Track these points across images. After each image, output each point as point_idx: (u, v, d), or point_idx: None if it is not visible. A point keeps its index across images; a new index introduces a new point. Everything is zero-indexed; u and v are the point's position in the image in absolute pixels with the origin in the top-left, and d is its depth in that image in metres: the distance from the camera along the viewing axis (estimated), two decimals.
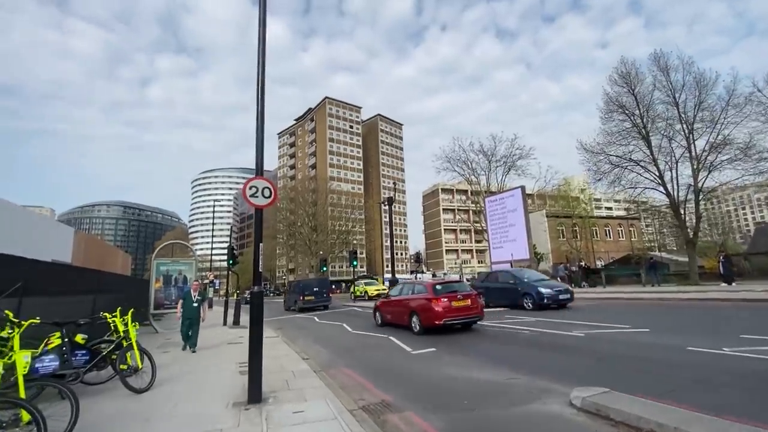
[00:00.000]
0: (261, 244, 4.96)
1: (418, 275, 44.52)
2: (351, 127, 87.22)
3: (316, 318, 17.37)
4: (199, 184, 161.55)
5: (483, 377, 5.60)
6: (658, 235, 42.90)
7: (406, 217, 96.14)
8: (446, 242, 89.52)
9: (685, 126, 21.38)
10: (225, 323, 15.80)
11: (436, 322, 9.45)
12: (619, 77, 23.53)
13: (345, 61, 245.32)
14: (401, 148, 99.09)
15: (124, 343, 5.83)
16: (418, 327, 10.01)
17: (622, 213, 68.54)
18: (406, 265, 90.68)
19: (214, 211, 36.28)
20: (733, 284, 17.80)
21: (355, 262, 25.56)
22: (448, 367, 6.36)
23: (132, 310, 6.37)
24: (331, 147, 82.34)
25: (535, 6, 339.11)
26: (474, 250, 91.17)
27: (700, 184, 20.98)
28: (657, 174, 22.40)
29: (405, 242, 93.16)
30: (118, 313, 6.34)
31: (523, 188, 39.40)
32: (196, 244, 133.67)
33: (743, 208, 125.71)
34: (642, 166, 23.08)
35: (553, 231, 43.12)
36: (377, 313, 12.56)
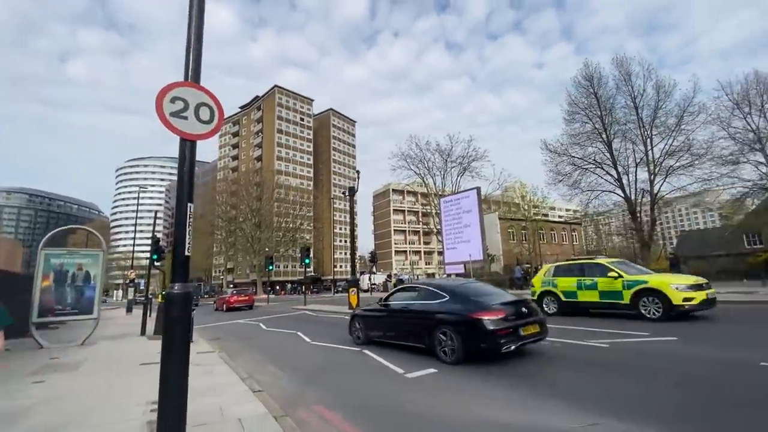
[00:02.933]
0: (191, 205, 2.66)
1: (372, 276, 42.67)
2: (302, 119, 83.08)
3: (262, 325, 14.64)
4: (126, 173, 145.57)
5: (547, 423, 3.71)
6: (604, 239, 45.27)
7: (356, 217, 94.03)
8: (396, 243, 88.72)
9: (643, 131, 21.89)
10: (143, 332, 12.52)
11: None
12: (584, 79, 23.65)
13: (296, 57, 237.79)
14: (354, 146, 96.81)
15: None
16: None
17: (563, 219, 72.57)
18: (356, 266, 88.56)
19: (138, 197, 31.21)
20: None
21: (307, 261, 22.96)
22: (477, 402, 4.41)
23: None
24: (280, 139, 77.62)
25: (481, 23, 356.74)
26: (422, 252, 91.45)
27: (655, 189, 21.58)
28: (616, 177, 22.74)
29: (356, 242, 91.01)
30: None
31: (478, 189, 39.09)
32: (119, 239, 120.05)
33: (695, 213, 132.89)
34: (603, 169, 23.32)
35: (504, 233, 43.65)
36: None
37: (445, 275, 44.36)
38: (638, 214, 22.53)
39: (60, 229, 11.63)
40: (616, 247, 47.67)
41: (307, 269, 34.67)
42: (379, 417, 4.21)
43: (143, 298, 16.20)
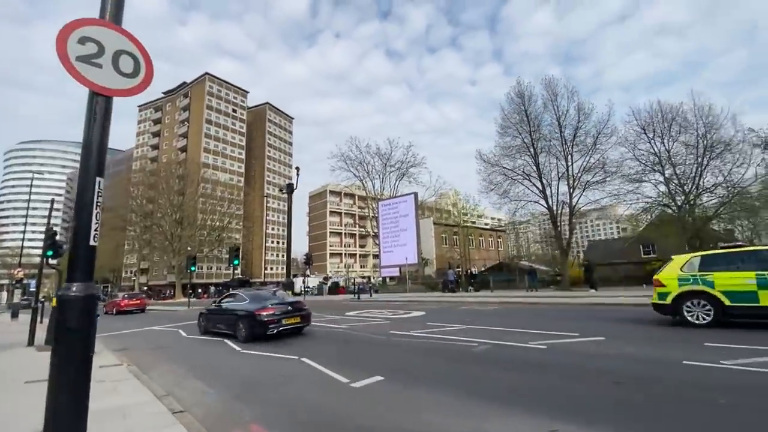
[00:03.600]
0: (100, 180, 2.02)
1: (306, 278, 41.31)
2: (234, 111, 78.21)
3: (182, 332, 13.11)
4: (16, 157, 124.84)
5: (501, 429, 3.57)
6: (526, 246, 48.96)
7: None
8: (331, 245, 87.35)
9: (565, 147, 24.10)
10: (32, 342, 10.46)
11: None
12: (516, 96, 25.39)
13: (231, 47, 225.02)
14: (290, 143, 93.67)
15: None
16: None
17: (490, 226, 77.46)
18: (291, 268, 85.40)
19: (32, 184, 26.55)
20: (598, 290, 20.29)
21: (236, 261, 21.29)
22: (430, 411, 4.17)
23: None
24: (208, 130, 72.16)
25: (421, 35, 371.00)
26: (358, 255, 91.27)
27: (574, 201, 23.85)
28: (541, 188, 24.69)
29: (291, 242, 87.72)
30: None
31: (415, 194, 40.24)
32: (6, 233, 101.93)
33: (598, 226, 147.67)
34: (530, 180, 25.18)
35: (437, 238, 45.19)
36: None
37: (380, 278, 44.65)
38: (558, 224, 24.71)
39: None
40: (535, 254, 52.01)
41: (236, 271, 32.41)
42: None
43: (33, 301, 13.74)
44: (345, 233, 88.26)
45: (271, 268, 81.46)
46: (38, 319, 11.59)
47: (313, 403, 4.77)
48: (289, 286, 16.07)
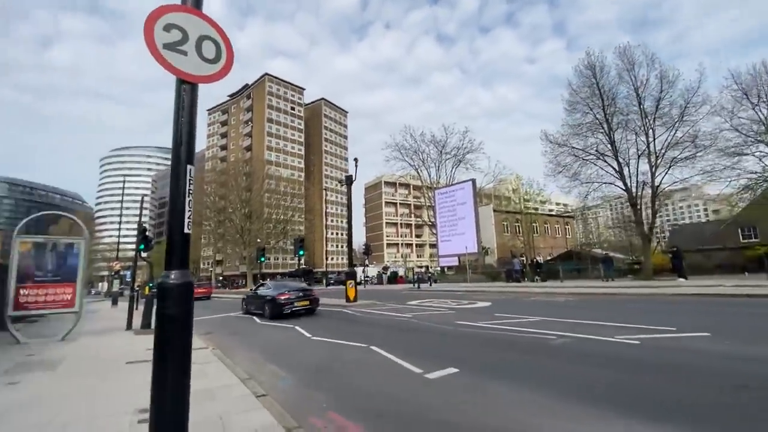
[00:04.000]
0: (191, 168, 2.04)
1: (365, 268, 42.17)
2: (293, 108, 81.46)
3: (256, 319, 13.96)
4: (110, 164, 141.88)
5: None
6: (596, 232, 45.41)
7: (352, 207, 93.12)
8: (387, 236, 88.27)
9: (646, 122, 21.57)
10: (129, 327, 11.78)
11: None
12: (585, 68, 23.18)
13: (284, 47, 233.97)
14: (345, 137, 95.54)
15: None
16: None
17: (555, 212, 72.89)
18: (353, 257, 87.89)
19: (123, 187, 29.97)
20: (688, 279, 18.06)
21: (301, 252, 22.25)
22: (516, 408, 3.88)
23: None
24: (270, 128, 76.02)
25: (474, 15, 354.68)
26: (414, 245, 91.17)
27: (657, 181, 21.36)
28: (617, 168, 22.43)
29: (345, 234, 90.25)
30: None
31: (473, 181, 38.92)
32: (104, 230, 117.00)
33: (681, 208, 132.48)
34: (604, 160, 22.97)
35: (498, 226, 43.44)
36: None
37: (438, 268, 44.12)
38: (639, 207, 22.31)
39: (38, 214, 10.78)
40: (609, 241, 47.93)
41: (300, 261, 33.95)
42: (405, 428, 3.65)
43: (129, 290, 15.40)
44: (401, 223, 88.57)
45: (332, 259, 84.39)
46: (134, 306, 12.96)
47: (388, 392, 4.69)
48: (352, 275, 16.35)
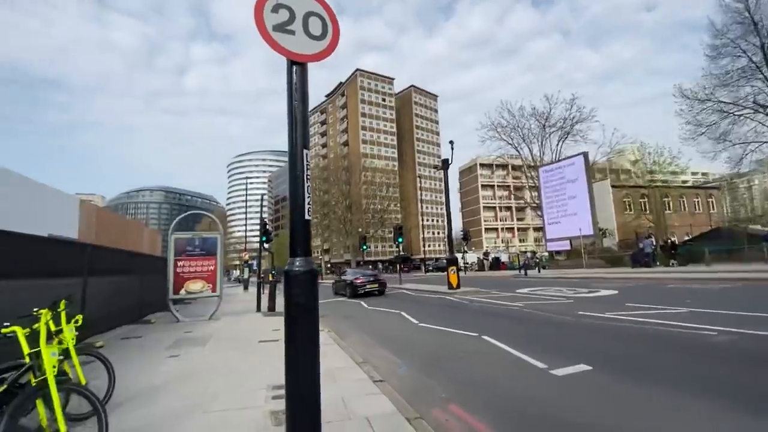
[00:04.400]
0: (306, 152, 1.96)
1: (464, 255, 41.16)
2: (383, 100, 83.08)
3: (363, 303, 14.61)
4: (234, 168, 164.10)
5: None
6: (750, 205, 36.78)
7: (442, 195, 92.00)
8: (485, 221, 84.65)
9: None
10: (258, 309, 13.40)
11: None
12: (734, 1, 18.38)
13: (374, 40, 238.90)
14: (437, 122, 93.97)
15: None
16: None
17: (690, 182, 60.96)
18: (444, 245, 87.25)
19: (246, 188, 34.31)
20: None
21: (400, 239, 22.61)
22: (679, 422, 3.15)
23: (64, 300, 3.68)
24: (363, 122, 78.89)
25: None
26: (516, 229, 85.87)
27: None
28: None
29: (442, 220, 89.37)
30: (62, 305, 3.66)
31: (585, 154, 34.54)
32: (234, 226, 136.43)
33: None
34: (765, 113, 18.12)
35: (618, 204, 38.04)
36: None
37: (545, 253, 40.68)
38: None
39: (185, 214, 12.81)
40: None
41: (398, 249, 34.73)
42: (534, 430, 3.25)
43: (257, 277, 17.45)
44: (500, 207, 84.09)
45: (429, 246, 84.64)
46: (261, 291, 14.60)
47: (510, 387, 4.31)
48: (453, 261, 15.96)
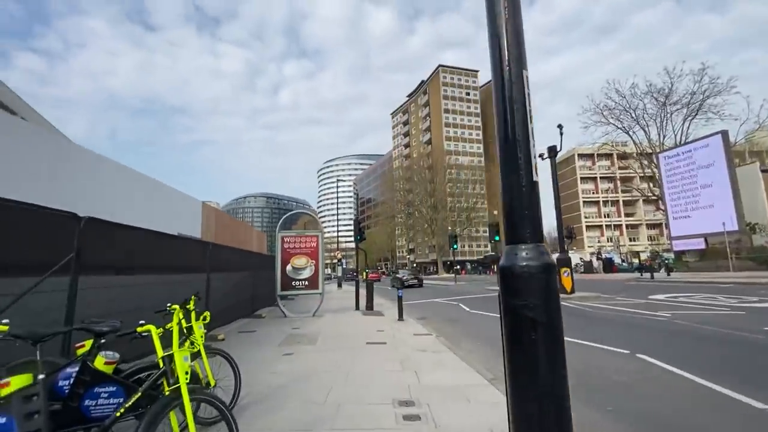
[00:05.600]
0: (526, 74, 1.21)
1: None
2: (467, 93, 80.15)
3: (463, 306, 13.65)
4: (323, 174, 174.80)
5: None
6: None
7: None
8: (586, 217, 76.15)
9: None
10: (357, 308, 13.31)
11: None
12: None
13: (452, 37, 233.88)
14: None
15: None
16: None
17: None
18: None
19: (337, 188, 35.65)
20: None
21: (497, 237, 21.00)
22: None
23: (193, 297, 3.56)
24: (447, 118, 77.02)
25: None
26: (624, 226, 75.72)
27: None
28: None
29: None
30: (192, 303, 3.56)
31: (725, 133, 28.47)
32: (325, 227, 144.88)
33: None
34: None
35: None
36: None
37: (671, 253, 34.60)
38: None
39: (291, 213, 13.44)
40: None
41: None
42: None
43: (355, 276, 17.60)
44: (604, 201, 74.90)
45: None
46: (359, 290, 14.50)
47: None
48: (565, 262, 14.07)
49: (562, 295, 13.69)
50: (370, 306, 12.88)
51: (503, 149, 1.25)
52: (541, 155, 15.85)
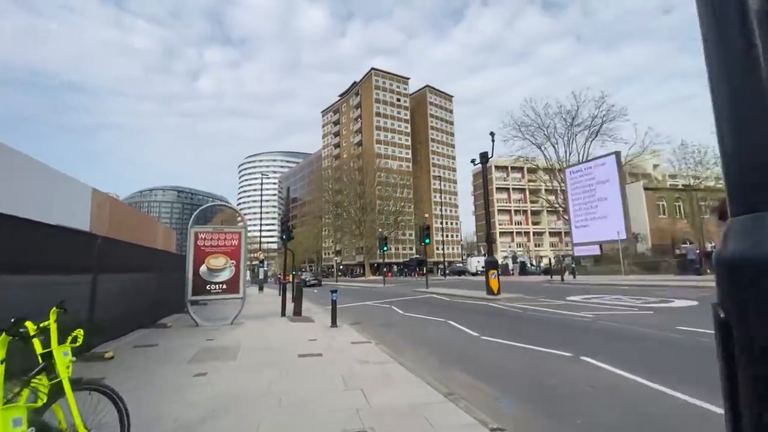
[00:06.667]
0: None
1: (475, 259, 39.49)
2: (398, 100, 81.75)
3: (396, 309, 13.24)
4: (245, 169, 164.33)
5: None
6: None
7: (457, 197, 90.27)
8: (500, 224, 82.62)
9: None
10: (283, 313, 12.03)
11: None
12: None
13: (383, 44, 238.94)
14: (452, 123, 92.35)
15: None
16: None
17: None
18: (459, 249, 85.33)
19: (262, 183, 33.20)
20: None
21: (427, 240, 21.20)
22: None
23: (55, 310, 2.46)
24: (378, 122, 77.62)
25: None
26: (531, 233, 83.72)
27: None
28: None
29: (456, 223, 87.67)
30: (52, 316, 2.41)
31: (617, 154, 32.69)
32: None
33: None
34: None
35: (651, 207, 36.11)
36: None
37: (572, 258, 38.78)
38: None
39: (206, 205, 11.71)
40: None
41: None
42: None
43: (280, 279, 16.17)
44: (515, 210, 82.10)
45: (441, 249, 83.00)
46: (285, 294, 13.14)
47: None
48: (493, 264, 14.46)
49: (489, 297, 14.08)
50: (298, 311, 11.76)
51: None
52: (473, 161, 16.25)
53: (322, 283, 39.69)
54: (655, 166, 76.82)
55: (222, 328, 9.46)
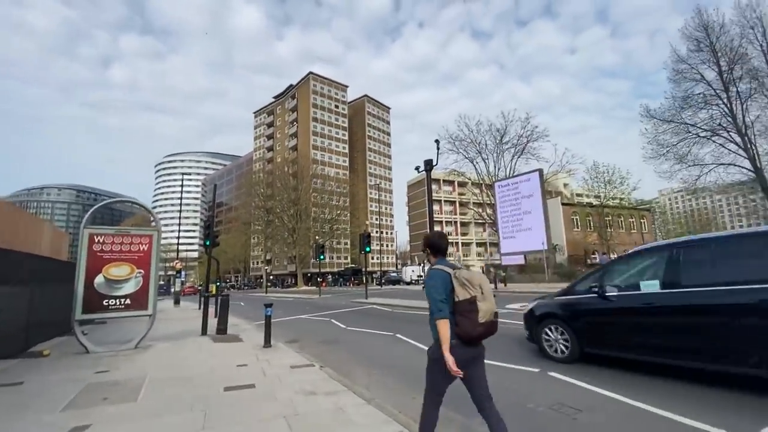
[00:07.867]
0: None
1: (421, 267, 39.78)
2: (336, 106, 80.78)
3: (337, 322, 12.16)
4: (164, 169, 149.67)
5: None
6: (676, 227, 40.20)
7: (392, 207, 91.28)
8: None
9: None
10: (204, 332, 10.23)
11: None
12: (696, 29, 19.41)
13: (322, 53, 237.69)
14: (389, 134, 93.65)
15: None
16: None
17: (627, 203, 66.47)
18: (394, 258, 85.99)
19: (182, 184, 29.67)
20: None
21: (368, 248, 20.40)
22: None
23: None
24: (315, 127, 75.70)
25: (510, 9, 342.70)
26: (460, 244, 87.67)
27: None
28: (741, 146, 18.54)
29: (392, 233, 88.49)
30: None
31: (540, 171, 35.34)
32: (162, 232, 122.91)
33: None
34: (720, 135, 19.15)
35: (567, 221, 39.57)
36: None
37: (500, 267, 40.93)
38: None
39: (105, 202, 9.60)
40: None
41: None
42: None
43: (201, 291, 14.11)
44: (446, 221, 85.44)
45: (376, 258, 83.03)
46: (207, 308, 11.31)
47: None
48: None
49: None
50: (222, 329, 10.11)
51: None
52: (417, 168, 15.96)
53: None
54: (566, 185, 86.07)
55: (122, 353, 7.61)
